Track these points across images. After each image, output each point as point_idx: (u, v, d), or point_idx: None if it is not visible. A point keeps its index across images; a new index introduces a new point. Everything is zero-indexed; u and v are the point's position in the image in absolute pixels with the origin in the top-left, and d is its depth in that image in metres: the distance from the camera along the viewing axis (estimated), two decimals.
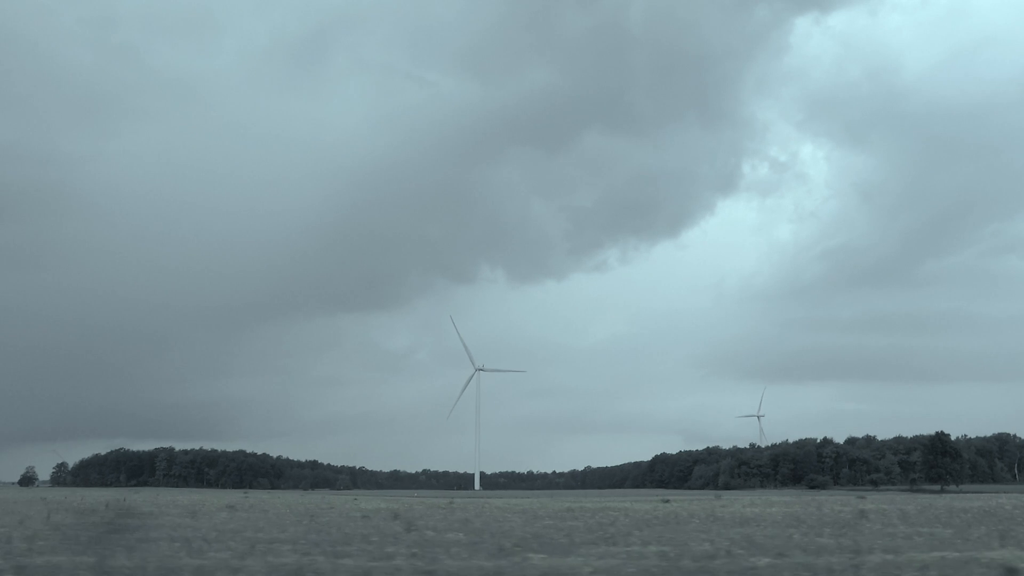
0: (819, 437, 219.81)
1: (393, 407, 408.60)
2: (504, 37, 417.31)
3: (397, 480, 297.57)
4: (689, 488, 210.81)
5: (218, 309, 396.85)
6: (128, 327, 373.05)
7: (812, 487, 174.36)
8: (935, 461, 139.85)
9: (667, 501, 68.32)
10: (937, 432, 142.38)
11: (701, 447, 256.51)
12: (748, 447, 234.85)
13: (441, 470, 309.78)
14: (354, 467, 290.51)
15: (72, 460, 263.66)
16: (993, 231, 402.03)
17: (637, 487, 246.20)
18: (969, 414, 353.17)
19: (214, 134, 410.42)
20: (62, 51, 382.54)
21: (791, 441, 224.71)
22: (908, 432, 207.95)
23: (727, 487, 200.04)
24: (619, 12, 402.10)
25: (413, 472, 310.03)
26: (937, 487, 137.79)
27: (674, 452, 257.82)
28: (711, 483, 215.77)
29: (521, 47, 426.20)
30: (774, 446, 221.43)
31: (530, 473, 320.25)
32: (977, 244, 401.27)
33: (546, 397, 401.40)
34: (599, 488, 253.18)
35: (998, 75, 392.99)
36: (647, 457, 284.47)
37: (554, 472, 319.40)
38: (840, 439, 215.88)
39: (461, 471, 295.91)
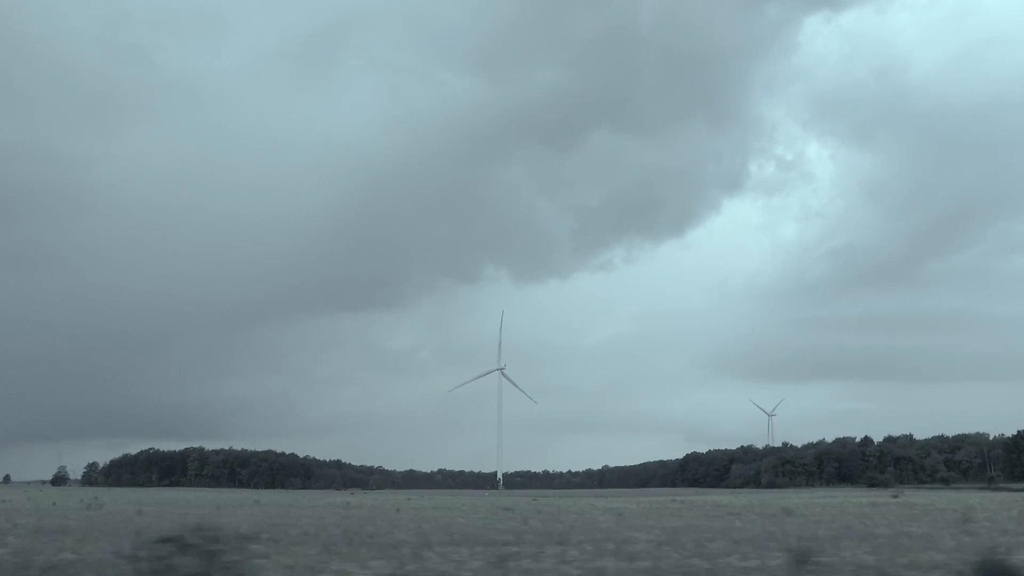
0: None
1: (398, 407, 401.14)
2: (514, 37, 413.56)
3: (413, 480, 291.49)
4: (728, 487, 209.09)
5: (219, 312, 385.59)
6: (129, 330, 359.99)
7: (872, 485, 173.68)
8: (1018, 459, 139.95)
9: (896, 496, 65.48)
10: (1019, 431, 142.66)
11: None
12: (782, 445, 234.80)
13: (456, 469, 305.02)
14: (371, 466, 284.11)
15: (74, 460, 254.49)
16: (999, 230, 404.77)
17: (667, 486, 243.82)
18: (973, 414, 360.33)
19: (221, 135, 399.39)
20: (68, 50, 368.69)
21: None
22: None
23: (771, 485, 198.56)
24: (629, 12, 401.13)
25: (428, 471, 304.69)
26: (1022, 485, 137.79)
27: (704, 451, 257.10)
28: (752, 482, 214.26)
29: (530, 47, 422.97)
30: (815, 444, 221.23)
31: (546, 472, 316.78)
32: (983, 243, 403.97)
33: (550, 397, 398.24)
34: (620, 487, 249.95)
35: (1005, 75, 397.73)
36: (658, 456, 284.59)
37: (569, 471, 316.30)
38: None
39: (476, 470, 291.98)
